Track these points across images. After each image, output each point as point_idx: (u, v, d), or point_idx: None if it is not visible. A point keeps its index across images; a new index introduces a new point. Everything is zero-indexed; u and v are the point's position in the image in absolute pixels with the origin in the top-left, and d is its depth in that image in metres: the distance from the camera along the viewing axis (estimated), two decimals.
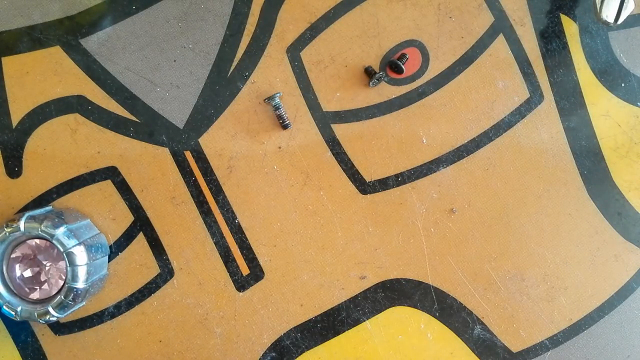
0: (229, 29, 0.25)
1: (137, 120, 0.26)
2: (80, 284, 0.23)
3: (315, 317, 0.26)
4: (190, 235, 0.26)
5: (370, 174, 0.26)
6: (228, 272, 0.26)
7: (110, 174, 0.26)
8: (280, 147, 0.26)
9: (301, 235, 0.26)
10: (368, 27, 0.26)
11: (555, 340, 0.25)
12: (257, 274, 0.26)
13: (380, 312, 0.26)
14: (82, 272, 0.23)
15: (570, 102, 0.26)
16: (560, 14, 0.26)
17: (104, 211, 0.26)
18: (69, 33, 0.25)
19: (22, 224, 0.23)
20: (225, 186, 0.26)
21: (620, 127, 0.26)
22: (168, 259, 0.26)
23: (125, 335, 0.26)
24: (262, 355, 0.26)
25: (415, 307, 0.26)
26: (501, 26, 0.26)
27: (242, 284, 0.26)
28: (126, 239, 0.26)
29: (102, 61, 0.26)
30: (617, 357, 0.26)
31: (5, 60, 0.25)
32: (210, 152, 0.26)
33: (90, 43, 0.26)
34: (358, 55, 0.26)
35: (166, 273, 0.26)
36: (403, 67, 0.26)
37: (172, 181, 0.26)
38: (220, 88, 0.25)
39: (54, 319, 0.24)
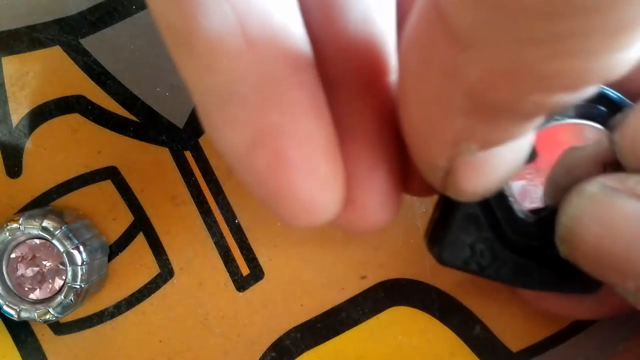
0: None
1: (137, 120, 0.26)
2: (80, 284, 0.23)
3: (315, 317, 0.26)
4: (190, 235, 0.26)
5: None
6: (228, 272, 0.26)
7: (110, 174, 0.26)
8: None
9: (301, 235, 0.26)
10: None
11: (555, 340, 0.25)
12: (257, 274, 0.26)
13: (380, 312, 0.26)
14: (82, 272, 0.23)
15: None
16: None
17: (104, 211, 0.26)
18: (69, 33, 0.25)
19: (22, 224, 0.23)
20: (225, 186, 0.26)
21: None
22: (168, 259, 0.26)
23: (125, 335, 0.26)
24: (262, 355, 0.26)
25: (415, 307, 0.26)
26: None
27: (242, 284, 0.26)
28: (126, 239, 0.26)
29: (102, 61, 0.26)
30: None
31: (5, 60, 0.25)
32: (210, 152, 0.26)
33: (90, 43, 0.26)
34: None
35: (166, 273, 0.26)
36: None
37: (172, 181, 0.26)
38: None
39: (54, 319, 0.24)
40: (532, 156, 0.16)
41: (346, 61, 0.13)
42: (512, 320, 0.25)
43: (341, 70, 0.13)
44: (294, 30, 0.11)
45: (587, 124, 0.16)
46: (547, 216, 0.16)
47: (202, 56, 0.10)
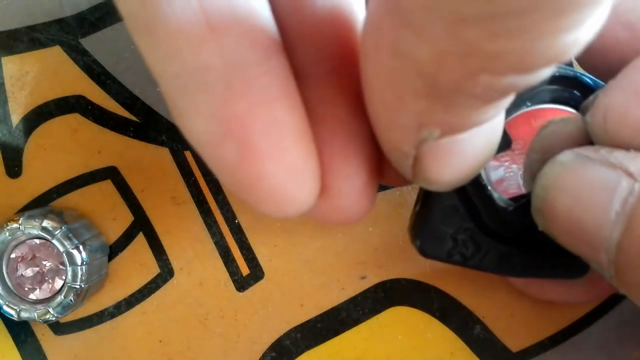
0: None
1: (137, 120, 0.26)
2: (80, 284, 0.23)
3: (315, 317, 0.26)
4: (190, 235, 0.26)
5: None
6: (228, 272, 0.26)
7: (110, 174, 0.26)
8: None
9: (301, 235, 0.26)
10: None
11: (555, 340, 0.25)
12: (257, 274, 0.26)
13: (380, 312, 0.26)
14: (82, 272, 0.23)
15: None
16: None
17: (104, 211, 0.26)
18: (69, 33, 0.25)
19: (22, 224, 0.23)
20: (225, 186, 0.26)
21: None
22: (168, 259, 0.26)
23: (125, 335, 0.26)
24: (262, 355, 0.26)
25: (415, 307, 0.26)
26: None
27: (242, 284, 0.26)
28: (126, 239, 0.26)
29: (102, 61, 0.26)
30: (616, 356, 0.26)
31: (5, 60, 0.25)
32: None
33: (90, 43, 0.26)
34: None
35: (166, 273, 0.26)
36: None
37: (172, 181, 0.26)
38: None
39: (54, 319, 0.24)
40: (507, 144, 0.16)
41: (315, 44, 0.12)
42: (512, 320, 0.25)
43: (310, 54, 0.12)
44: (260, 14, 0.11)
45: (562, 109, 0.16)
46: (526, 203, 0.16)
47: (164, 43, 0.10)
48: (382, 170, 0.14)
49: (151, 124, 0.26)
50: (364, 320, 0.26)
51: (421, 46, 0.09)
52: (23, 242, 0.24)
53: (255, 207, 0.12)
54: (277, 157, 0.11)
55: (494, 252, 0.17)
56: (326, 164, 0.12)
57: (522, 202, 0.16)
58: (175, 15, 0.10)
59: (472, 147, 0.12)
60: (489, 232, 0.16)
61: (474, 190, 0.16)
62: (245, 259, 0.26)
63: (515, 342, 0.26)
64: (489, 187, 0.16)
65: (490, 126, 0.12)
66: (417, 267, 0.26)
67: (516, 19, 0.07)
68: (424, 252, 0.17)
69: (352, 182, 0.13)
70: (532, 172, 0.15)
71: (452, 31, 0.08)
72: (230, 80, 0.10)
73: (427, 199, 0.17)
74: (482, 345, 0.26)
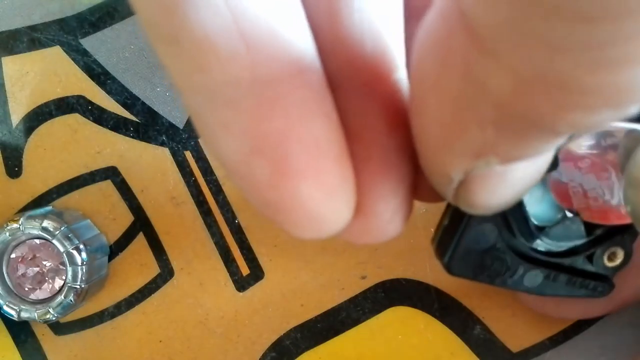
0: None
1: (137, 120, 0.26)
2: (80, 284, 0.23)
3: (315, 317, 0.26)
4: (190, 235, 0.26)
5: None
6: (228, 272, 0.26)
7: (110, 174, 0.26)
8: None
9: None
10: None
11: (555, 340, 0.25)
12: (257, 274, 0.26)
13: (380, 312, 0.26)
14: (82, 272, 0.23)
15: None
16: None
17: (104, 211, 0.26)
18: (69, 33, 0.25)
19: (22, 224, 0.23)
20: (225, 186, 0.26)
21: None
22: (168, 259, 0.26)
23: (125, 335, 0.26)
24: (262, 355, 0.26)
25: (415, 307, 0.26)
26: None
27: (242, 284, 0.26)
28: (126, 239, 0.26)
29: (102, 61, 0.26)
30: (618, 356, 0.26)
31: (5, 60, 0.25)
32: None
33: (90, 43, 0.26)
34: None
35: (166, 273, 0.26)
36: None
37: (172, 181, 0.26)
38: None
39: (54, 319, 0.24)
40: (554, 165, 0.15)
41: (350, 58, 0.12)
42: (512, 321, 0.25)
43: (345, 68, 0.12)
44: (295, 24, 0.10)
45: (632, 126, 0.15)
46: (560, 226, 0.16)
47: (192, 55, 0.09)
48: (416, 188, 0.13)
49: (151, 124, 0.26)
50: (364, 320, 0.26)
51: (501, 74, 0.08)
52: (23, 242, 0.24)
53: (286, 229, 0.11)
54: (314, 178, 0.10)
55: (522, 272, 0.16)
56: (362, 183, 0.11)
57: (557, 225, 0.16)
58: (204, 25, 0.09)
59: (523, 173, 0.11)
60: (519, 252, 0.16)
61: (511, 209, 0.16)
62: (245, 259, 0.26)
63: (515, 342, 0.26)
64: (527, 208, 0.16)
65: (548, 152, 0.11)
66: (417, 267, 0.26)
67: (625, 47, 0.06)
68: (451, 271, 0.16)
69: (388, 202, 0.12)
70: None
71: (542, 60, 0.07)
72: (264, 95, 0.09)
73: (456, 214, 0.16)
74: (482, 345, 0.26)
